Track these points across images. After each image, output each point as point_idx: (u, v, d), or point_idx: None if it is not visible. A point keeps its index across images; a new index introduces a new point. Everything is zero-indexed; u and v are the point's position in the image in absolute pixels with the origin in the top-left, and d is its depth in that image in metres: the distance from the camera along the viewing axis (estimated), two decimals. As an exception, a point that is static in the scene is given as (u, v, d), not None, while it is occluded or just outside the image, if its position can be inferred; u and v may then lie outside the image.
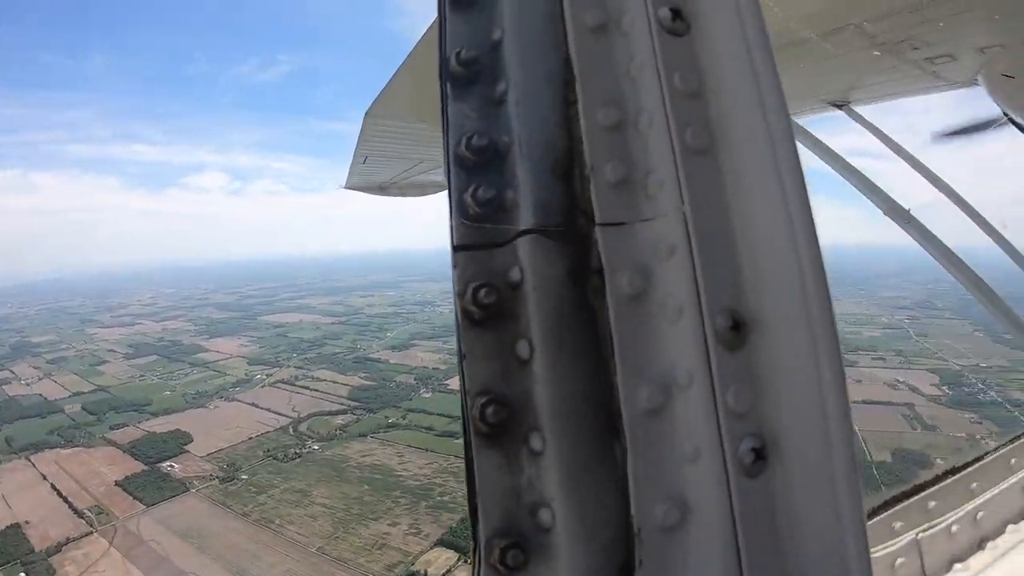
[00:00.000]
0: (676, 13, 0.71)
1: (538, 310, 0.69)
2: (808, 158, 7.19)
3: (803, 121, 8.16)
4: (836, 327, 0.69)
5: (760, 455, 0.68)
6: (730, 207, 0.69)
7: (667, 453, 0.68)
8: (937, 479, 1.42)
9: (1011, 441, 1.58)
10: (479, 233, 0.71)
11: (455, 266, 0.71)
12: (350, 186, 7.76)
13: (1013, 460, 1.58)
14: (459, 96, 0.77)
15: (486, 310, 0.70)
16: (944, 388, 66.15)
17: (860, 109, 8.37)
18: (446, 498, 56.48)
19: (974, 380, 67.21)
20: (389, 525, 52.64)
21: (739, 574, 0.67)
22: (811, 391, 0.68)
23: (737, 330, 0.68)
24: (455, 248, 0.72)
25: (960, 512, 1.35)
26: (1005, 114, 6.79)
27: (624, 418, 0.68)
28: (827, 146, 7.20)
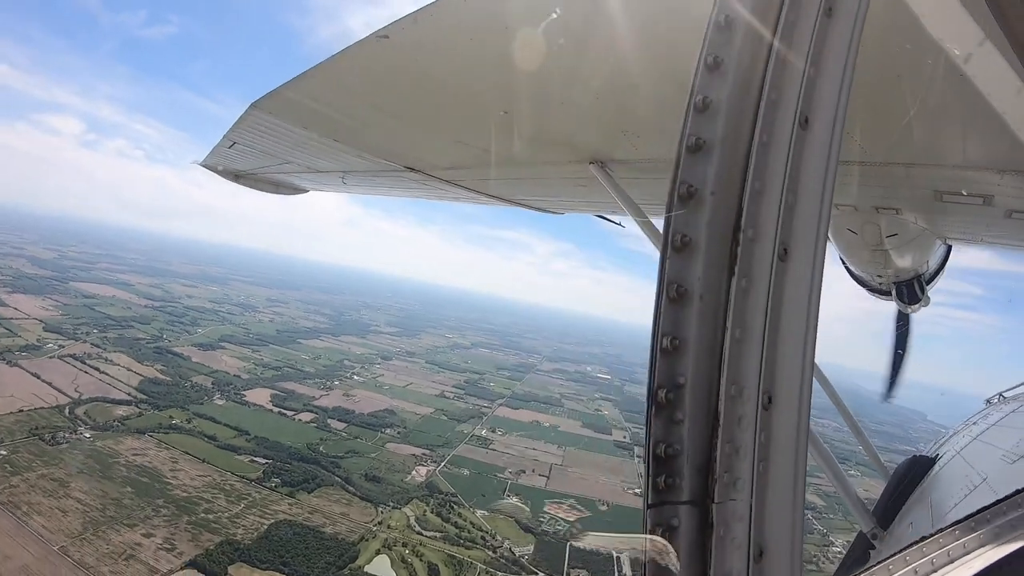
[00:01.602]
0: None
1: (685, 543, 1.46)
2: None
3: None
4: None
5: None
6: (766, 503, 1.53)
7: None
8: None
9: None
10: (662, 498, 1.46)
11: (652, 517, 1.45)
12: (206, 164, 7.44)
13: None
14: (656, 416, 1.50)
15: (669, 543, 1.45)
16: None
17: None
18: (210, 516, 52.82)
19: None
20: (143, 535, 48.12)
21: None
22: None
23: (760, 556, 1.52)
24: (649, 506, 1.46)
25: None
26: (842, 260, 7.74)
27: None
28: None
